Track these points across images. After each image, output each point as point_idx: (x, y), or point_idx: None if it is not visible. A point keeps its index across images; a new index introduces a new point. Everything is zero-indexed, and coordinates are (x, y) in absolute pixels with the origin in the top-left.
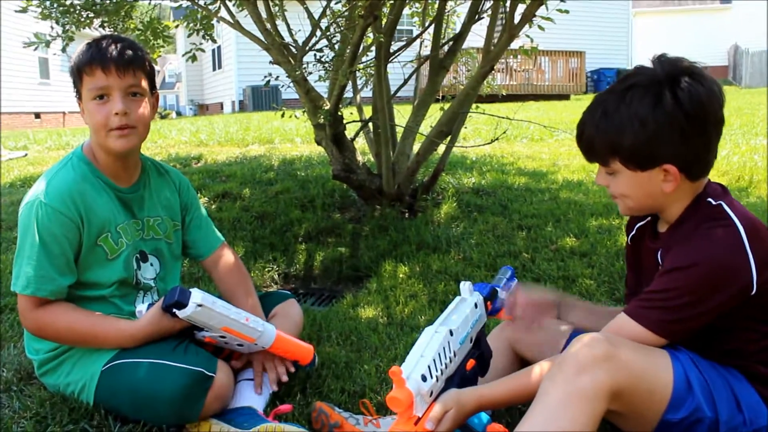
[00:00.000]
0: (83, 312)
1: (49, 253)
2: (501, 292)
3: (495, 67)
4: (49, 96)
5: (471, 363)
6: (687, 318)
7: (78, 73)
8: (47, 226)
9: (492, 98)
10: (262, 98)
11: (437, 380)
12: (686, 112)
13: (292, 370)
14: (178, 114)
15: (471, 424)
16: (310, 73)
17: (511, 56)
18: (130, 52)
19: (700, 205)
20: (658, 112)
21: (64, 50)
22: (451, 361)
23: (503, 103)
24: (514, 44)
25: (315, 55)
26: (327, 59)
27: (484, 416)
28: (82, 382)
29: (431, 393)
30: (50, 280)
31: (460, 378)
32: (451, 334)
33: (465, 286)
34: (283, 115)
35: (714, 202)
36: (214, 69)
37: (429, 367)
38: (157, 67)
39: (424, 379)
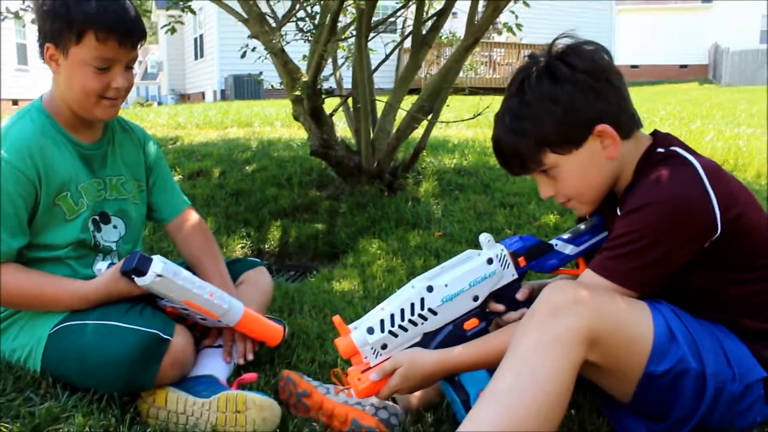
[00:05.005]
0: (32, 272)
1: (1, 213)
2: (565, 245)
3: (478, 60)
4: (27, 83)
5: (472, 323)
6: (652, 263)
7: (79, 28)
8: (1, 184)
9: (474, 92)
10: (244, 87)
11: (392, 334)
12: (585, 70)
13: (256, 348)
14: (159, 104)
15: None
16: (287, 42)
17: (495, 33)
18: (140, 22)
19: (650, 158)
20: (562, 83)
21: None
22: (424, 318)
23: (486, 96)
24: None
25: (296, 24)
26: (308, 29)
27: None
28: (29, 347)
29: (385, 346)
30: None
31: (449, 336)
32: (430, 290)
33: (484, 237)
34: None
35: (665, 150)
36: (195, 58)
37: (383, 320)
38: (139, 58)
39: (370, 331)
